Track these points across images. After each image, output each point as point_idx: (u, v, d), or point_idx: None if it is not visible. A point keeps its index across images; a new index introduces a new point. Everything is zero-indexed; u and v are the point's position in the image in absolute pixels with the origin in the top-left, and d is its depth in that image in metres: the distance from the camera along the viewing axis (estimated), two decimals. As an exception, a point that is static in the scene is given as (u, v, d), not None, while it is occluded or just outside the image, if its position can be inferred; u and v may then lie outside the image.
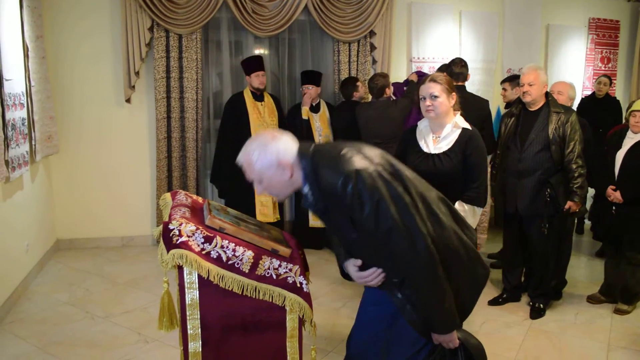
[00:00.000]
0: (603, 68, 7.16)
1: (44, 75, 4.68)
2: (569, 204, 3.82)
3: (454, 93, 2.79)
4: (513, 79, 5.00)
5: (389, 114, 4.75)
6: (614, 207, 4.03)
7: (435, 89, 2.74)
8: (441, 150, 2.78)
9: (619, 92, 7.29)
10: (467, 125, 2.82)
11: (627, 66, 7.46)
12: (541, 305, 4.06)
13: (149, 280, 4.60)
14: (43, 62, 4.68)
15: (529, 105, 3.90)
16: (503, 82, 5.15)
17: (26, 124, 4.29)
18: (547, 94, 3.90)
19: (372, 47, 5.90)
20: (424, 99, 2.78)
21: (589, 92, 6.87)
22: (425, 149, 2.84)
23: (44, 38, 4.74)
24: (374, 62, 5.94)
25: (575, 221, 4.79)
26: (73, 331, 3.62)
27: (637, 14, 7.25)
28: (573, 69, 7.08)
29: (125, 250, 5.40)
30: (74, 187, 5.33)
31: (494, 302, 4.22)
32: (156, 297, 4.20)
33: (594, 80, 6.92)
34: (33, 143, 4.42)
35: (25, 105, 4.27)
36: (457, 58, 4.58)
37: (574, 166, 3.76)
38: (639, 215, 3.95)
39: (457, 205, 2.76)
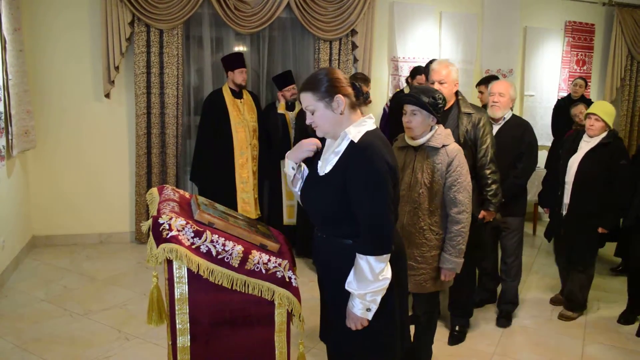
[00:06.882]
0: (578, 70, 7.29)
1: (22, 68, 4.59)
2: (482, 213, 3.43)
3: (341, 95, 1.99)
4: (489, 81, 4.92)
5: None
6: (562, 229, 3.90)
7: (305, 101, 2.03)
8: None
9: (593, 94, 7.44)
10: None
11: (602, 69, 7.62)
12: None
13: (128, 277, 4.56)
14: (21, 55, 4.58)
15: None
16: (479, 84, 5.17)
17: (3, 118, 4.21)
18: (457, 93, 3.44)
19: (354, 46, 5.91)
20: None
21: (564, 94, 7.00)
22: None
23: (22, 31, 4.65)
24: (355, 60, 5.95)
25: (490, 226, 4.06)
26: (52, 328, 3.57)
27: (611, 17, 7.40)
28: (549, 71, 7.19)
29: (103, 247, 5.33)
30: (51, 183, 5.24)
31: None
32: (136, 294, 4.17)
33: (569, 82, 7.05)
34: (10, 137, 4.34)
35: (2, 99, 4.19)
36: (434, 59, 4.51)
37: (488, 172, 3.36)
38: (586, 227, 3.82)
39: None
